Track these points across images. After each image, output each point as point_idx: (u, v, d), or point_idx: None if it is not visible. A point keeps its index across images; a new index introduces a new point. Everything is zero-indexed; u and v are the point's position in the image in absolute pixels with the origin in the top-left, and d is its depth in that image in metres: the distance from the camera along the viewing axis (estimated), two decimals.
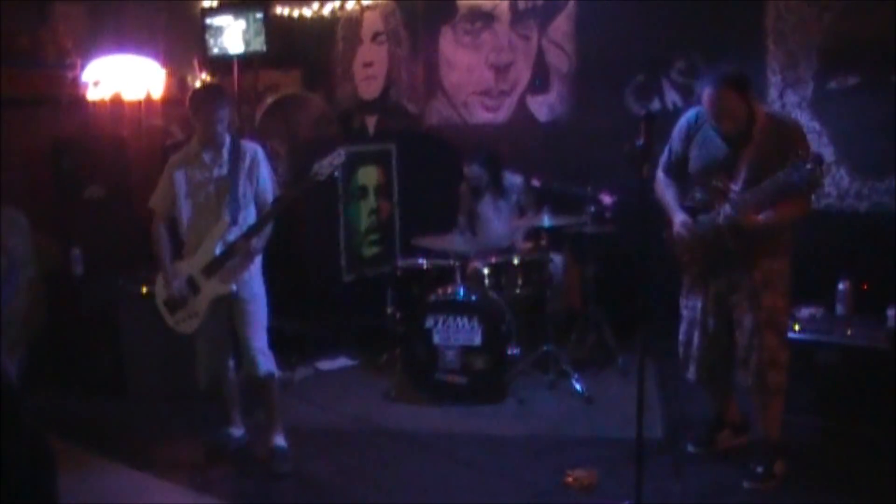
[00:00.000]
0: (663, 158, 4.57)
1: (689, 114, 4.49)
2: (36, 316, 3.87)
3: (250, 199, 4.79)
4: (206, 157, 4.76)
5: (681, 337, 4.63)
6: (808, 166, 3.89)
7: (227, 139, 4.79)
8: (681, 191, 4.54)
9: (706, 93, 4.20)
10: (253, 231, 4.68)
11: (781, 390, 4.34)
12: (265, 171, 4.85)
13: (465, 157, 6.60)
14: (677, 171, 4.53)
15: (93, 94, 6.91)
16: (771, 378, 4.28)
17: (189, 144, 4.89)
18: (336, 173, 4.71)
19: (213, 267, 4.70)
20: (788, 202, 4.10)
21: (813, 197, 4.37)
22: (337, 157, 4.67)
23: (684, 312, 4.61)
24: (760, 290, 4.26)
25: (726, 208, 4.17)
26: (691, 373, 4.62)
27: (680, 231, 4.41)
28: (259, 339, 4.79)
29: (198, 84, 7.41)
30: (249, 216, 4.78)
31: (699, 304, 4.51)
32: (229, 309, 4.80)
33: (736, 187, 4.19)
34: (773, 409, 4.39)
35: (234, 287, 4.71)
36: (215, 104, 4.70)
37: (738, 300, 4.34)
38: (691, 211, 4.43)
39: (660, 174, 4.58)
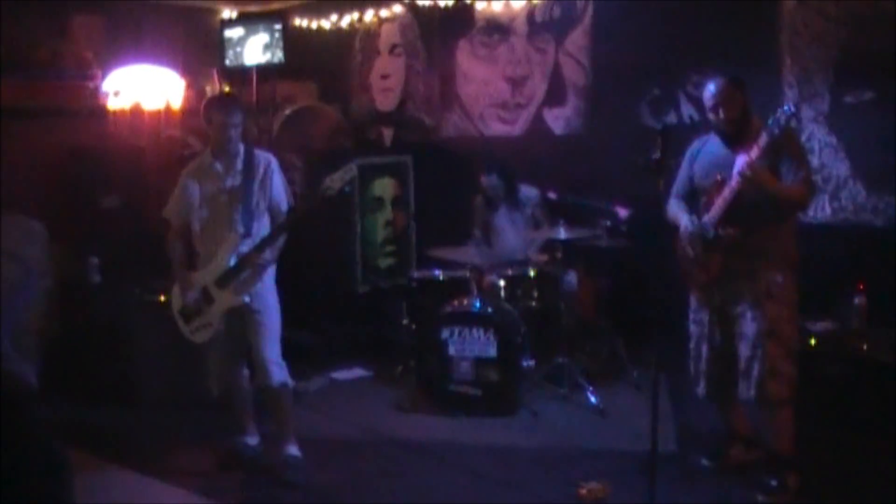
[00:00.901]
0: (675, 187, 4.67)
1: (693, 144, 4.64)
2: (50, 325, 3.88)
3: (263, 209, 4.81)
4: (219, 166, 4.78)
5: (691, 353, 4.65)
6: (784, 115, 4.04)
7: (241, 149, 4.81)
8: (690, 208, 4.59)
9: (709, 88, 4.37)
10: (265, 244, 4.70)
11: (784, 402, 4.31)
12: (278, 181, 4.86)
13: (481, 168, 6.60)
14: (688, 196, 4.64)
15: (113, 105, 6.96)
16: (771, 389, 4.25)
17: (203, 155, 4.93)
18: (347, 188, 4.72)
19: (227, 278, 4.71)
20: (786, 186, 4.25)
21: (809, 194, 4.41)
22: (348, 173, 4.68)
23: (693, 328, 4.63)
24: (764, 299, 4.27)
25: (731, 180, 4.22)
26: (701, 388, 4.63)
27: (686, 229, 4.45)
28: (272, 350, 4.79)
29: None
30: (263, 227, 4.80)
31: (706, 318, 4.53)
32: (242, 319, 4.81)
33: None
34: (781, 422, 4.36)
35: (246, 298, 4.72)
36: (228, 110, 4.73)
37: (742, 310, 4.36)
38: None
39: (672, 200, 4.66)
